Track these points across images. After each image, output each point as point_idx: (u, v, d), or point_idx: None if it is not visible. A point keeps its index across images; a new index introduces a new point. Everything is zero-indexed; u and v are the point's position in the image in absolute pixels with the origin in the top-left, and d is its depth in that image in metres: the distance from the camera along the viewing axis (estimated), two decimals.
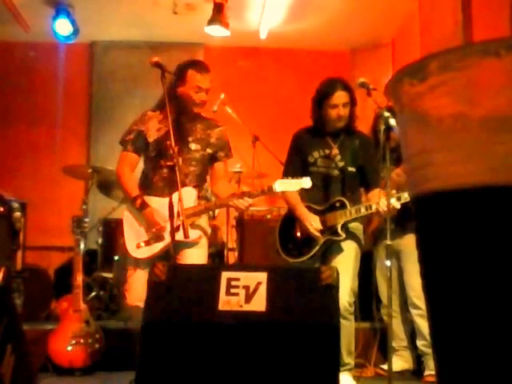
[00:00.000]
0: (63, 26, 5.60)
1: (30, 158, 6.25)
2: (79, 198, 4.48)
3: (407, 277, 3.65)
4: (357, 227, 3.43)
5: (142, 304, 2.93)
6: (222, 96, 5.63)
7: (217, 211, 5.04)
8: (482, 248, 0.73)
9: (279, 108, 6.28)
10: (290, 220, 3.48)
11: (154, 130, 3.24)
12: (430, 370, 3.48)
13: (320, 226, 3.33)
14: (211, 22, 5.40)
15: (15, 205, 4.48)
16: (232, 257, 5.21)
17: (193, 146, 3.25)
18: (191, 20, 5.81)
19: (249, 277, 2.26)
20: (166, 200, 3.00)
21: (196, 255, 3.17)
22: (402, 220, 3.42)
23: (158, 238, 3.12)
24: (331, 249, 3.39)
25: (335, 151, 3.44)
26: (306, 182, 3.14)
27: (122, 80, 6.46)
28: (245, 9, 5.66)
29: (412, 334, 3.73)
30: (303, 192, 3.49)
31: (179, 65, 3.29)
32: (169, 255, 3.06)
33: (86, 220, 4.00)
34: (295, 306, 2.20)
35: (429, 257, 0.83)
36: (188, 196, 3.13)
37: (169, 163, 3.06)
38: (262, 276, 2.26)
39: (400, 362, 3.72)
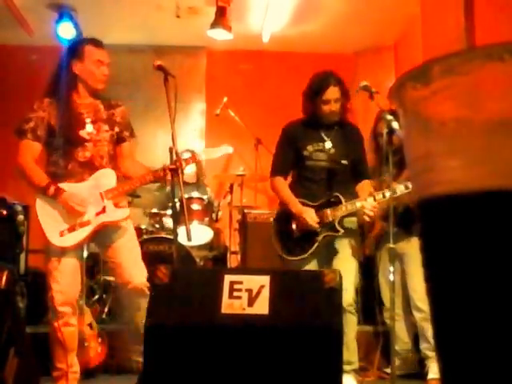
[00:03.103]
0: (66, 30, 5.61)
1: None
2: None
3: (410, 280, 3.64)
4: (353, 221, 3.45)
5: (69, 289, 3.01)
6: (225, 99, 5.65)
7: (220, 214, 5.05)
8: (487, 253, 0.73)
9: (282, 111, 6.26)
10: (284, 220, 3.48)
11: (55, 116, 3.10)
12: (433, 374, 3.47)
13: (317, 218, 3.34)
14: (214, 25, 5.41)
15: (18, 208, 4.49)
16: (234, 260, 5.21)
17: (103, 127, 3.17)
18: (194, 23, 5.82)
19: (252, 280, 2.26)
20: (87, 183, 3.04)
21: (126, 239, 3.13)
22: (405, 223, 3.42)
23: (83, 222, 3.00)
24: (332, 247, 3.40)
25: (329, 144, 3.45)
26: (227, 149, 3.29)
27: (124, 83, 6.46)
28: (247, 12, 5.67)
29: (415, 337, 3.72)
30: (298, 187, 3.49)
31: (73, 43, 3.25)
32: (100, 239, 3.08)
33: None
34: (298, 309, 2.20)
35: (433, 261, 0.83)
36: (108, 178, 3.11)
37: (86, 151, 3.04)
38: (265, 279, 2.25)
39: (403, 365, 3.71)
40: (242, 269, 4.31)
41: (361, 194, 3.40)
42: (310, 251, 3.35)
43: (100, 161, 3.11)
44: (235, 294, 2.23)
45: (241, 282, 2.26)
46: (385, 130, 3.06)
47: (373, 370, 3.74)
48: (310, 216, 3.33)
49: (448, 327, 0.83)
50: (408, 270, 3.66)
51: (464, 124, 0.74)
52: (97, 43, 3.19)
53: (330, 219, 3.33)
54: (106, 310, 4.60)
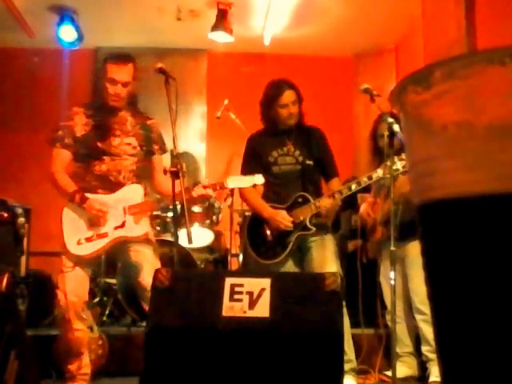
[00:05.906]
0: (68, 33, 5.63)
1: (33, 164, 6.25)
2: None
3: (411, 282, 3.64)
4: (322, 220, 3.49)
5: (76, 299, 3.00)
6: (226, 102, 5.64)
7: (220, 216, 5.05)
8: (488, 256, 0.73)
9: None
10: (256, 226, 3.51)
11: (80, 125, 3.14)
12: (434, 377, 3.46)
13: (290, 218, 3.39)
14: (215, 28, 5.42)
15: (19, 211, 4.50)
16: (235, 263, 5.20)
17: (124, 140, 3.15)
18: (195, 26, 5.83)
19: (252, 283, 2.26)
20: (113, 196, 3.05)
21: (147, 254, 3.14)
22: (406, 227, 3.41)
23: (101, 234, 3.03)
24: (304, 246, 3.44)
25: (291, 147, 3.50)
26: (259, 179, 3.17)
27: None
28: (248, 15, 5.68)
29: (416, 339, 3.72)
30: (268, 193, 3.52)
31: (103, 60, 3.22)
32: (114, 253, 3.10)
33: None
34: (299, 312, 2.19)
35: (434, 264, 0.83)
36: (134, 193, 3.10)
37: (102, 164, 3.02)
38: (266, 282, 2.25)
39: (404, 368, 3.70)
40: (243, 271, 4.31)
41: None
42: (285, 253, 3.41)
43: (116, 176, 3.10)
44: (236, 296, 2.23)
45: (241, 285, 2.25)
46: (386, 133, 3.05)
47: (374, 373, 3.73)
48: (284, 216, 3.38)
49: (449, 330, 0.83)
50: (409, 272, 3.66)
51: (465, 128, 0.74)
52: (117, 60, 3.12)
53: (301, 218, 3.38)
54: (107, 312, 4.60)
